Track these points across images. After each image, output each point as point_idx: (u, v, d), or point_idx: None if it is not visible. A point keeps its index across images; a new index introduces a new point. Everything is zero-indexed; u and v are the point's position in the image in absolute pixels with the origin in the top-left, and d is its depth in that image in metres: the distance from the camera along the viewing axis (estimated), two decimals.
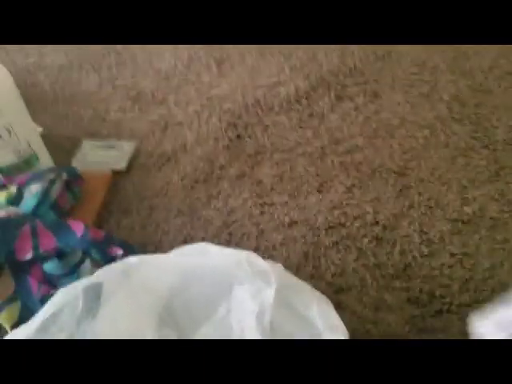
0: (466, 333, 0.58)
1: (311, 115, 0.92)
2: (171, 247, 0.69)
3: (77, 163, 0.82)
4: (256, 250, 0.69)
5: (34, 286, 0.62)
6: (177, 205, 0.77)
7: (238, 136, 0.88)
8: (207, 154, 0.85)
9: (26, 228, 0.64)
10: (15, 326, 0.59)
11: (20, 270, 0.64)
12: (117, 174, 0.81)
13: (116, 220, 0.74)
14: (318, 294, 0.56)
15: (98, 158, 0.83)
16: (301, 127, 0.90)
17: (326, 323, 0.51)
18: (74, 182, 0.74)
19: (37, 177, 0.70)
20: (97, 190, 0.76)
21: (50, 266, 0.63)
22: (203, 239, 0.71)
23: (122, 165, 0.82)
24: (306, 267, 0.66)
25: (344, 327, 0.50)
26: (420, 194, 0.75)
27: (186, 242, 0.71)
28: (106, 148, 0.85)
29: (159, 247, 0.70)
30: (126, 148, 0.85)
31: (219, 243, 0.70)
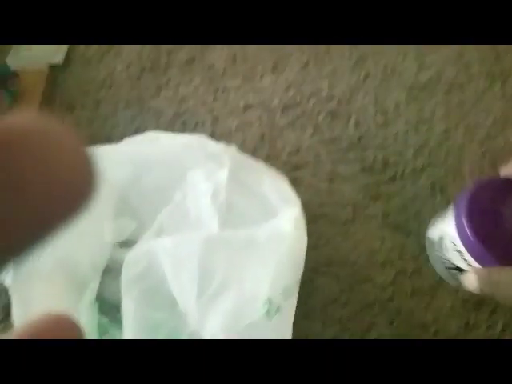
0: (419, 196, 0.60)
1: None
2: (121, 141, 0.67)
3: (11, 61, 0.75)
4: (211, 136, 0.67)
5: None
6: (124, 96, 0.72)
7: None
8: None
9: None
10: None
11: None
12: (55, 69, 0.75)
13: (61, 116, 0.70)
14: (271, 171, 0.56)
15: (32, 52, 0.76)
16: None
17: (278, 196, 0.52)
18: (8, 80, 0.69)
19: None
20: (34, 86, 0.71)
21: None
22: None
23: (58, 58, 0.75)
24: (262, 149, 0.65)
25: (296, 198, 0.51)
26: (376, 63, 0.72)
27: (137, 134, 0.68)
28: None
29: (109, 141, 0.67)
30: None
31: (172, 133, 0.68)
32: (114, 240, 0.55)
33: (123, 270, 0.51)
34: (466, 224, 0.35)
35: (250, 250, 0.49)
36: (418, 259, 0.55)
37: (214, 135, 0.68)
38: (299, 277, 0.48)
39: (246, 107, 0.70)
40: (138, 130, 0.68)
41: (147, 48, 0.77)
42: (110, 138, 0.68)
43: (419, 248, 0.56)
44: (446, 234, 0.38)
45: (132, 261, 0.51)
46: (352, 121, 0.66)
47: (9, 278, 0.52)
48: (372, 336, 0.51)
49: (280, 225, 0.51)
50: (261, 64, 0.75)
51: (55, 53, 0.76)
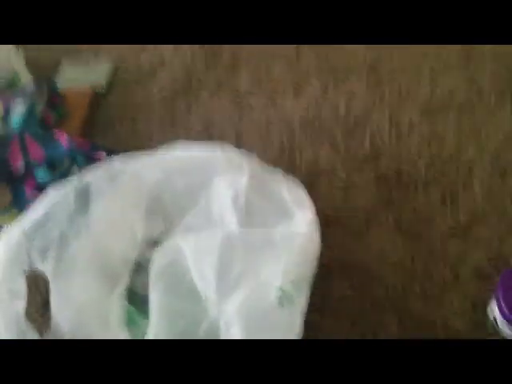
0: (431, 203, 0.63)
1: None
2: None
3: (58, 82, 0.84)
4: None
5: (28, 193, 0.67)
6: (158, 114, 0.80)
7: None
8: (185, 66, 0.86)
9: (15, 142, 0.68)
10: None
11: (15, 181, 0.69)
12: (98, 91, 0.83)
13: (101, 132, 0.78)
14: (288, 178, 0.60)
15: (78, 75, 0.85)
16: None
17: (294, 201, 0.56)
18: (56, 100, 0.77)
19: (20, 95, 0.73)
20: (79, 106, 0.79)
21: (40, 174, 0.67)
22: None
23: (101, 81, 0.84)
24: (282, 160, 0.70)
25: (310, 203, 0.55)
26: (391, 86, 0.76)
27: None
28: (85, 66, 0.86)
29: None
30: (105, 65, 0.86)
31: None
32: (144, 238, 0.60)
33: (151, 265, 0.56)
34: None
35: (265, 247, 0.53)
36: (428, 264, 0.57)
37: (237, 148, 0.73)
38: (311, 273, 0.52)
39: (268, 123, 0.76)
40: (170, 143, 0.75)
41: (180, 74, 0.85)
42: (144, 150, 0.75)
43: (428, 252, 0.58)
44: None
45: (159, 255, 0.56)
46: (367, 135, 0.70)
47: (49, 270, 0.57)
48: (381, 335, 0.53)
49: (294, 226, 0.55)
50: (283, 86, 0.81)
51: (99, 76, 0.84)
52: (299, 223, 0.55)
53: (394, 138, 0.70)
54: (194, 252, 0.53)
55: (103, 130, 0.78)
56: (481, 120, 0.71)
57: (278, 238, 0.54)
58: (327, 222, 0.61)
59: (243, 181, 0.59)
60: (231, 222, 0.57)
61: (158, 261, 0.55)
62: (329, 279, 0.57)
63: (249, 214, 0.58)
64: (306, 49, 0.85)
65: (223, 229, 0.56)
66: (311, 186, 0.65)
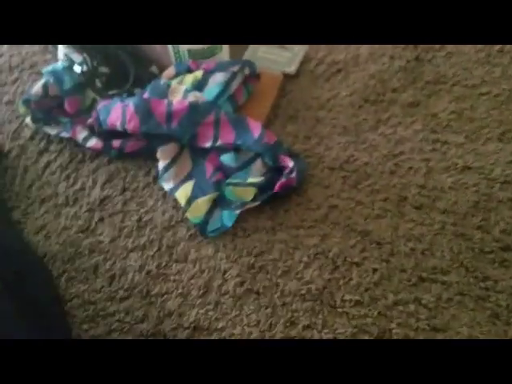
0: None
1: (501, 51, 0.81)
2: (334, 164, 0.69)
3: (248, 58, 0.81)
4: (422, 188, 0.66)
5: (208, 170, 0.66)
6: (342, 122, 0.74)
7: (417, 58, 0.81)
8: (380, 72, 0.80)
9: (211, 117, 0.66)
10: (188, 202, 0.64)
11: (198, 154, 0.68)
12: (286, 77, 0.79)
13: (282, 124, 0.74)
14: None
15: (269, 56, 0.81)
16: (488, 63, 0.80)
17: None
18: (249, 78, 0.74)
19: (221, 67, 0.71)
20: (267, 90, 0.76)
21: (226, 158, 0.65)
22: (366, 164, 0.69)
23: (291, 68, 0.80)
24: (474, 217, 0.63)
25: None
26: None
27: (348, 162, 0.70)
28: (278, 48, 0.83)
29: (321, 161, 0.70)
30: (297, 51, 0.82)
31: (383, 172, 0.68)
32: None
33: None
34: None
35: None
36: None
37: (425, 186, 0.67)
38: None
39: (464, 168, 0.68)
40: (350, 159, 0.70)
41: (374, 80, 0.79)
42: (322, 158, 0.71)
43: None
44: None
45: None
46: None
47: None
48: None
49: None
50: (488, 128, 0.72)
51: (290, 62, 0.80)
52: None
53: None
54: None
55: (284, 122, 0.75)
56: None
57: None
58: None
59: None
60: None
61: None
62: None
63: None
64: None
65: None
66: (503, 260, 0.58)
